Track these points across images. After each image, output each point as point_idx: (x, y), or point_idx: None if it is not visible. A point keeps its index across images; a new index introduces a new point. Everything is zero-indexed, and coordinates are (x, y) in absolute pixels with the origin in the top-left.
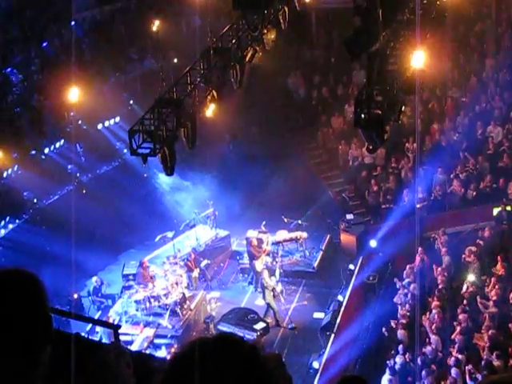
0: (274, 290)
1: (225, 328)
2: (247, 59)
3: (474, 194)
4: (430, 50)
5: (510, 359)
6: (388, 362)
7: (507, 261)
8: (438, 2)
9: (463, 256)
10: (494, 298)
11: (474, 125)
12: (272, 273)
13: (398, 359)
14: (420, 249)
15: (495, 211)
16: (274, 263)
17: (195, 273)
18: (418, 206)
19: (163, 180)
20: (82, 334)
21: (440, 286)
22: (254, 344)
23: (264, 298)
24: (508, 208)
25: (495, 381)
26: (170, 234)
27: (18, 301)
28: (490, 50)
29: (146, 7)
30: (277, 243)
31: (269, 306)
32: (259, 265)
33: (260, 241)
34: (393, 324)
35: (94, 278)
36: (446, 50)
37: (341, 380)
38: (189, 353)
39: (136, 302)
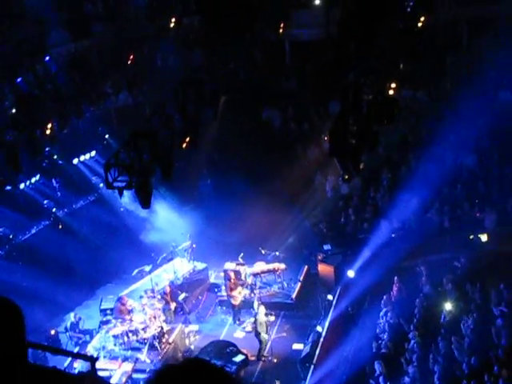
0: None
1: None
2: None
3: (450, 222)
4: (404, 79)
5: None
6: None
7: (484, 289)
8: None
9: (441, 284)
10: (472, 326)
11: (449, 153)
12: (267, 309)
13: None
14: (396, 278)
15: (471, 239)
16: (253, 295)
17: (172, 306)
18: (392, 235)
19: (140, 213)
20: None
21: (418, 316)
22: (221, 367)
23: (257, 334)
24: (483, 236)
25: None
26: (147, 268)
27: None
28: (463, 79)
29: (121, 42)
30: (255, 275)
31: (260, 341)
32: (238, 297)
33: (238, 273)
34: (373, 351)
35: (72, 314)
36: (421, 79)
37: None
38: (158, 378)
39: (114, 336)
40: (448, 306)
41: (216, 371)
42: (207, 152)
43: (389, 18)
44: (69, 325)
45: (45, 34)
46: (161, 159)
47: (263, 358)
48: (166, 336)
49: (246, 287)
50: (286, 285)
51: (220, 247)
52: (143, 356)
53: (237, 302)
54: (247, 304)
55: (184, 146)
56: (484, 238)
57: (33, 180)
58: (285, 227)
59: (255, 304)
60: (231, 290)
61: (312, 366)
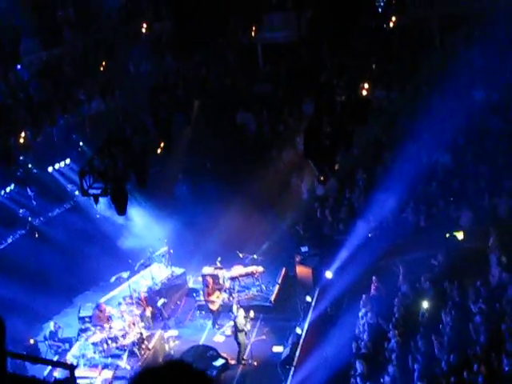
0: (245, 330)
1: None
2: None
3: (426, 220)
4: (377, 79)
5: None
6: None
7: (462, 286)
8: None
9: (419, 283)
10: (451, 323)
11: (424, 152)
12: (246, 312)
13: None
14: (374, 278)
15: (447, 237)
16: (231, 299)
17: (148, 312)
18: (369, 235)
19: (116, 220)
20: None
21: (397, 315)
22: (202, 370)
23: (236, 337)
24: (459, 234)
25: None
26: (125, 275)
27: None
28: (437, 78)
29: (93, 49)
30: (233, 278)
31: (239, 344)
32: (216, 302)
33: (216, 277)
34: (353, 351)
35: (51, 323)
36: (394, 78)
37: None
38: (140, 380)
39: (93, 344)
40: (426, 305)
41: (197, 373)
42: (182, 157)
43: (360, 18)
44: (48, 334)
45: (16, 41)
46: (135, 165)
47: (243, 362)
48: (145, 342)
49: (225, 291)
50: (264, 288)
51: (197, 252)
52: (123, 363)
53: (215, 306)
54: (226, 308)
55: (158, 151)
56: (460, 235)
57: (7, 189)
58: (262, 230)
59: (234, 308)
60: (209, 294)
61: (292, 368)
